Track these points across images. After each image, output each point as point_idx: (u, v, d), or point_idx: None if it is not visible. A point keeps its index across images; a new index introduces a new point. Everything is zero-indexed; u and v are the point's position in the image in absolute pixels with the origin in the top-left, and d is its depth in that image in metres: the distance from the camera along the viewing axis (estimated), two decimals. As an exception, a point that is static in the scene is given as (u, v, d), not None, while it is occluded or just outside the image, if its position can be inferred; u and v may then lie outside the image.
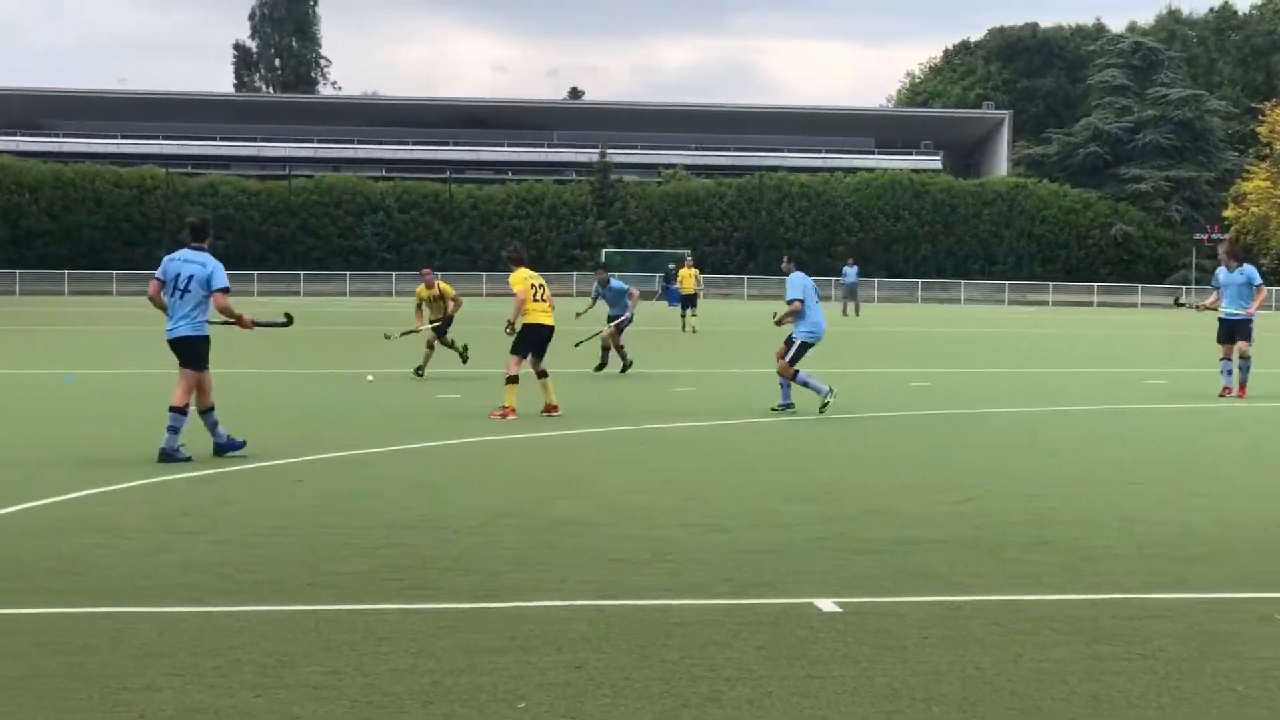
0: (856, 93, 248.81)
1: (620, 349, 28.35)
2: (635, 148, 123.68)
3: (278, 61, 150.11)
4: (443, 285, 27.50)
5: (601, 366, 28.16)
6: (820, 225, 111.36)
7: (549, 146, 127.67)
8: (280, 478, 13.90)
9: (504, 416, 19.17)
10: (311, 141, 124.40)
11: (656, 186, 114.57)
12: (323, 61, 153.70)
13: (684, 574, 9.70)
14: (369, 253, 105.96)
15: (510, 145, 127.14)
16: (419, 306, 27.59)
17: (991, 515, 12.09)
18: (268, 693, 6.92)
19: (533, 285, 20.04)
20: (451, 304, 27.32)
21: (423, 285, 27.54)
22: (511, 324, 19.98)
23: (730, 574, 9.69)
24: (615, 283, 29.67)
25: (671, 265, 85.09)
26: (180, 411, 14.95)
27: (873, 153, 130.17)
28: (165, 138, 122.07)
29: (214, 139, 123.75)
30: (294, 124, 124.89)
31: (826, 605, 8.79)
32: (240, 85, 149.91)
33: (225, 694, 6.90)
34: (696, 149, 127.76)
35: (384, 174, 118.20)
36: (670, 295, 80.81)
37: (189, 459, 14.72)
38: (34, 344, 38.83)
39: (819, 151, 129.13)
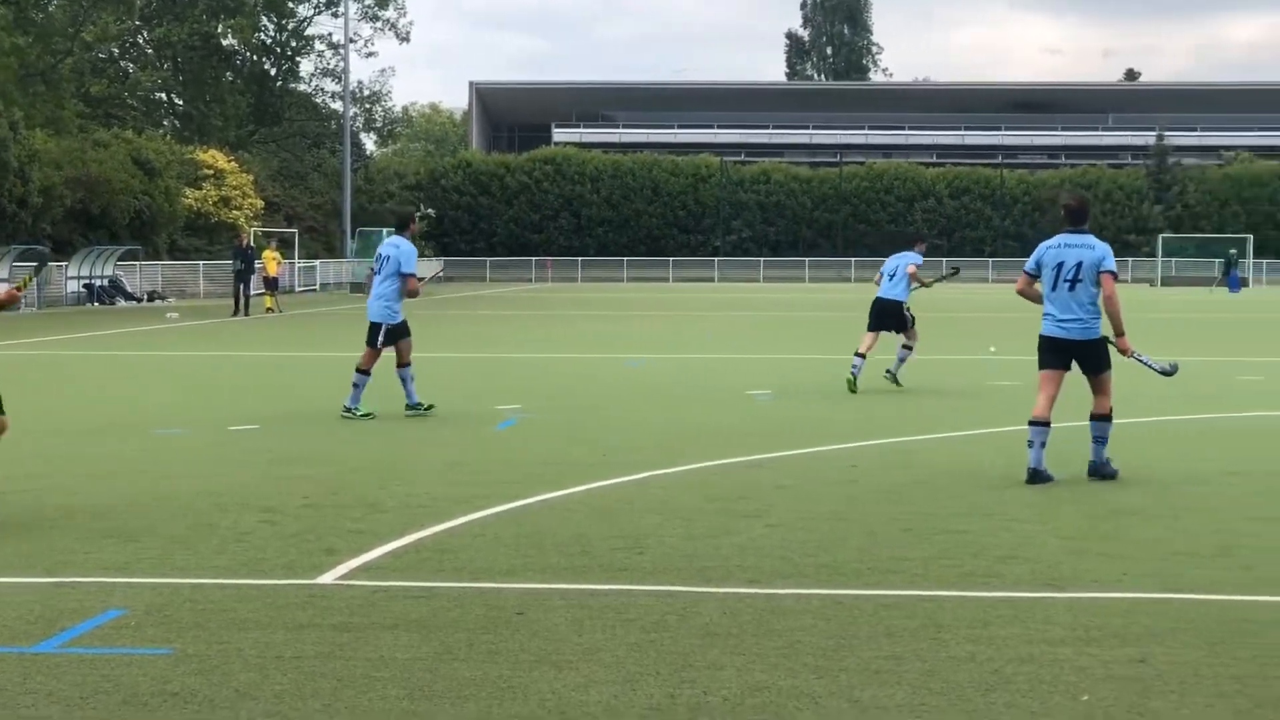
0: None
1: None
2: (1195, 130, 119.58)
3: (829, 49, 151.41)
4: None
5: None
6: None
7: (1103, 130, 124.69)
8: (835, 464, 13.98)
9: None
10: (863, 128, 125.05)
11: (1218, 170, 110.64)
12: (874, 48, 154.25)
13: (1257, 569, 9.32)
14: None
15: (1064, 129, 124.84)
16: None
17: None
18: (829, 675, 6.97)
19: None
20: None
21: None
22: None
23: (1308, 572, 9.24)
24: None
25: (1233, 251, 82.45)
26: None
27: None
28: (720, 126, 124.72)
29: (766, 127, 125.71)
30: (846, 111, 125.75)
31: None
32: (792, 74, 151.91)
33: (787, 674, 6.98)
34: (1261, 130, 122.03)
35: (935, 160, 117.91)
36: (1231, 282, 78.15)
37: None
38: (601, 329, 40.29)
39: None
